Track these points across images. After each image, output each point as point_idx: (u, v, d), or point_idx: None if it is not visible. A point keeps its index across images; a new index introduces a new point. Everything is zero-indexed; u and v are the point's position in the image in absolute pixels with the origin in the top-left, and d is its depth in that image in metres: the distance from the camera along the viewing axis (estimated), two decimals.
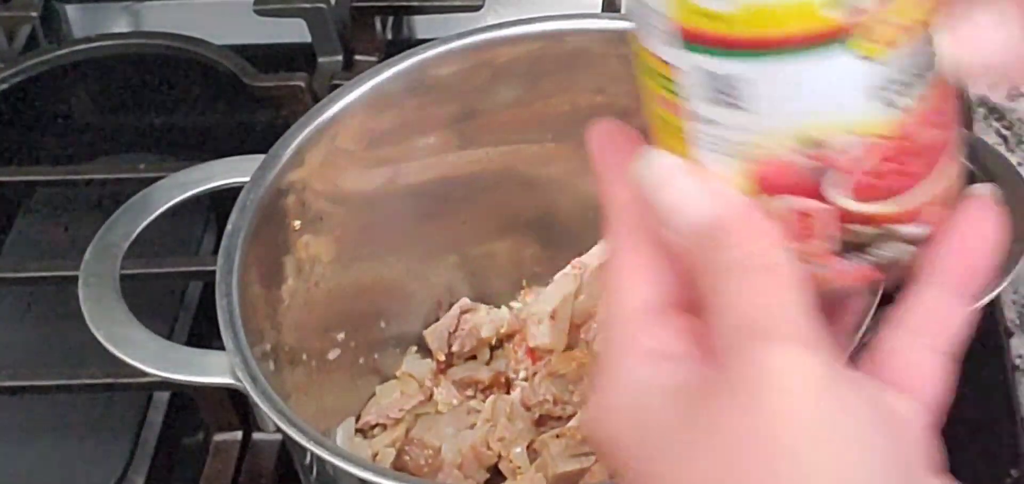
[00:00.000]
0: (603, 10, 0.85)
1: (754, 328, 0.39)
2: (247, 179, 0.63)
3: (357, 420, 0.70)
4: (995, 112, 0.80)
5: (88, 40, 0.90)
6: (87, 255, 0.62)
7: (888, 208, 0.44)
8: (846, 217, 0.44)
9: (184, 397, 0.73)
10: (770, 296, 0.40)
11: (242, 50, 0.86)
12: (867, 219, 0.44)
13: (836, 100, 0.42)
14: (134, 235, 0.63)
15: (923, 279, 0.43)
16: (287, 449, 0.66)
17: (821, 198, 0.43)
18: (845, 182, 0.43)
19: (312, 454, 0.55)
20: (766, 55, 0.41)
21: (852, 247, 0.44)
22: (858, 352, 0.55)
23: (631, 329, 0.42)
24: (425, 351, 0.73)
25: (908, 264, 0.45)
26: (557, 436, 0.66)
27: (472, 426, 0.69)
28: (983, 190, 0.44)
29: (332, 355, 0.69)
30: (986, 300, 0.56)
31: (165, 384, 0.67)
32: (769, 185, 0.43)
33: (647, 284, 0.42)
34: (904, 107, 0.42)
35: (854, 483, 0.38)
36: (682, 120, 0.43)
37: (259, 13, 0.87)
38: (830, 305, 0.45)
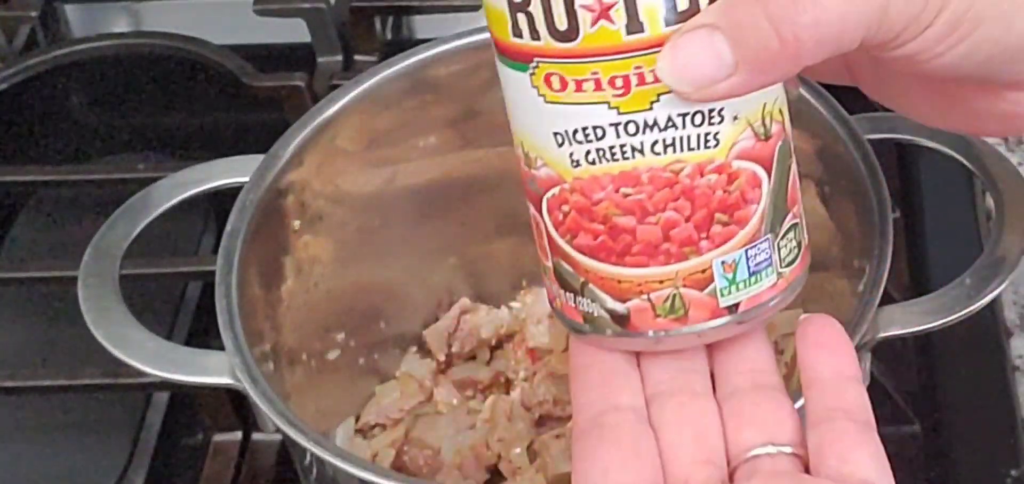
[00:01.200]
0: None
1: None
2: (247, 179, 0.63)
3: (357, 420, 0.70)
4: None
5: (87, 40, 0.90)
6: (86, 255, 0.61)
7: (585, 262, 0.44)
8: (555, 247, 0.45)
9: (183, 397, 0.73)
10: None
11: (242, 50, 0.85)
12: (568, 259, 0.44)
13: (532, 124, 0.43)
14: (133, 235, 0.63)
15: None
16: (287, 449, 0.66)
17: (541, 214, 0.44)
18: (550, 209, 0.44)
19: (312, 454, 0.55)
20: (496, 51, 0.44)
21: (565, 283, 0.45)
22: None
23: None
24: (425, 351, 0.73)
25: (612, 340, 0.45)
26: (557, 436, 0.66)
27: (472, 426, 0.69)
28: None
29: (332, 355, 0.69)
30: (986, 300, 0.56)
31: (164, 384, 0.67)
32: (522, 181, 0.45)
33: None
34: (579, 164, 0.42)
35: None
36: None
37: (259, 13, 0.87)
38: None
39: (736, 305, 0.44)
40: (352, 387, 0.71)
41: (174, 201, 0.65)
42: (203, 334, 0.73)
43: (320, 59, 0.88)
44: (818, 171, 0.63)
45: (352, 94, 0.66)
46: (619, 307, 0.44)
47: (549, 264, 0.45)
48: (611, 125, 0.42)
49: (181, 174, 0.66)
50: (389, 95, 0.67)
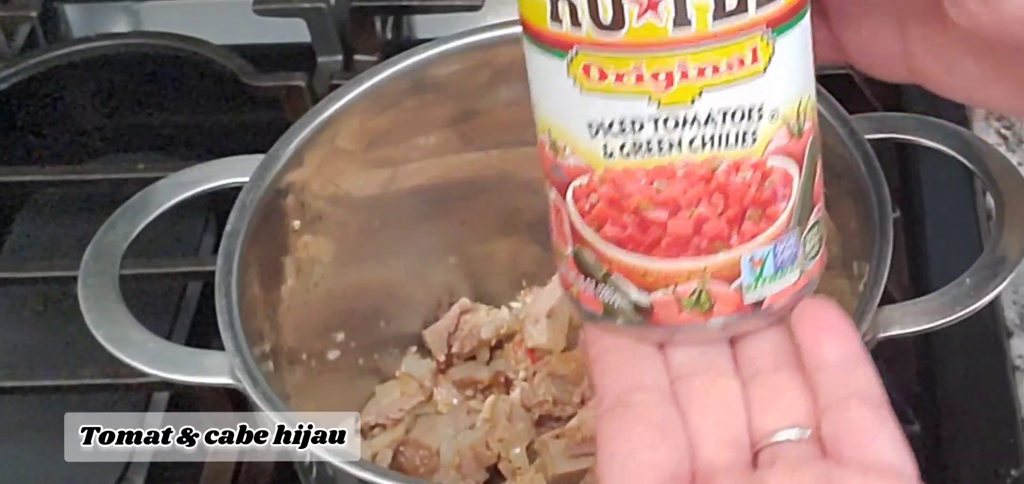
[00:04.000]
0: None
1: None
2: (247, 179, 0.63)
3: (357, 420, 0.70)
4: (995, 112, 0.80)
5: (88, 40, 0.90)
6: (86, 255, 0.61)
7: (611, 252, 0.44)
8: (578, 236, 0.44)
9: (184, 397, 0.73)
10: None
11: (242, 50, 0.85)
12: (592, 248, 0.44)
13: (563, 111, 0.42)
14: (134, 235, 0.63)
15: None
16: None
17: (564, 201, 0.44)
18: (577, 197, 0.44)
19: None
20: (527, 36, 0.43)
21: (587, 271, 0.45)
22: None
23: None
24: (425, 351, 0.73)
25: (631, 330, 0.45)
26: (557, 436, 0.66)
27: (472, 426, 0.69)
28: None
29: (332, 355, 0.69)
30: (986, 300, 0.56)
31: (164, 384, 0.67)
32: (544, 167, 0.44)
33: None
34: (612, 155, 0.42)
35: None
36: None
37: (259, 13, 0.87)
38: None
39: (761, 301, 0.44)
40: (352, 387, 0.71)
41: (174, 201, 0.65)
42: (203, 334, 0.73)
43: (320, 59, 0.88)
44: None
45: (352, 94, 0.66)
46: (643, 299, 0.44)
47: (569, 251, 0.45)
48: (651, 118, 0.41)
49: (181, 174, 0.66)
50: (389, 95, 0.67)
